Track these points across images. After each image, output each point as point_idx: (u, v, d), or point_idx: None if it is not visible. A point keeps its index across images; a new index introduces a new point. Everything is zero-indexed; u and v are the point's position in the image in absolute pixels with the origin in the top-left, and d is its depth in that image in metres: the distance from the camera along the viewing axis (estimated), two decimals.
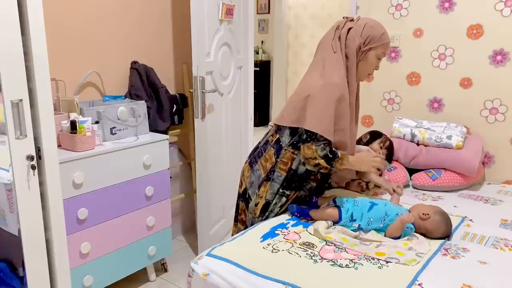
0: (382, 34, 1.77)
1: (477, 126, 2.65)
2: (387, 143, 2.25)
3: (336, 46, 1.76)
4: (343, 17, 1.85)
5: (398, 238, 1.69)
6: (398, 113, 2.91)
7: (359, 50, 1.76)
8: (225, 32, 2.60)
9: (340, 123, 1.73)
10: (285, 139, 1.83)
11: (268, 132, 1.95)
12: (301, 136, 1.77)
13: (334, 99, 1.70)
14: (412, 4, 2.76)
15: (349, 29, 1.77)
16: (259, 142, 1.97)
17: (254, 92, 3.21)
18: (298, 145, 1.79)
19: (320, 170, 1.80)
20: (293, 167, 1.83)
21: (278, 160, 1.83)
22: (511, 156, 2.58)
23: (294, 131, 1.80)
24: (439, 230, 1.69)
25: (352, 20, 1.81)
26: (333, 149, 1.74)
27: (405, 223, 1.68)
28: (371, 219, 1.73)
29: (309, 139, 1.72)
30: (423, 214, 1.71)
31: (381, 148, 2.22)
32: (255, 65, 3.91)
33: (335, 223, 1.77)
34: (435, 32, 2.70)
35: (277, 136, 1.86)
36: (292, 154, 1.81)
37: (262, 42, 6.59)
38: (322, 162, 1.73)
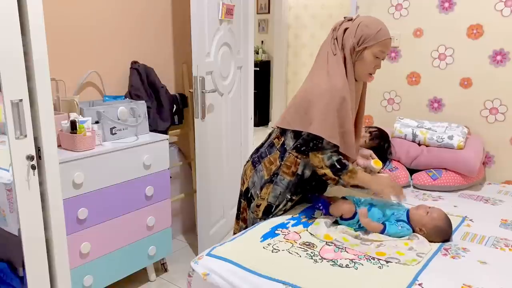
0: (377, 32, 1.70)
1: (477, 126, 2.64)
2: (374, 129, 2.24)
3: (335, 48, 1.74)
4: (344, 17, 1.83)
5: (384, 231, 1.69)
6: (398, 113, 2.90)
7: (354, 50, 1.73)
8: (225, 32, 2.60)
9: (345, 125, 1.71)
10: (289, 142, 1.81)
11: (271, 134, 1.94)
12: (307, 141, 1.75)
13: (336, 103, 1.68)
14: (412, 4, 2.76)
15: (345, 29, 1.74)
16: (262, 143, 1.96)
17: (254, 92, 3.21)
18: (302, 148, 1.78)
19: (328, 181, 1.78)
20: (299, 172, 1.82)
21: (282, 163, 1.82)
22: (511, 156, 2.58)
23: (297, 134, 1.79)
24: (434, 241, 1.67)
25: (350, 19, 1.78)
26: (343, 160, 1.72)
27: (363, 215, 1.70)
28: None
29: (315, 147, 1.72)
30: (419, 229, 1.69)
31: (365, 131, 2.20)
32: (255, 65, 3.91)
33: (349, 219, 1.76)
34: (435, 32, 2.70)
35: (283, 139, 1.84)
36: (295, 158, 1.80)
37: (262, 42, 6.58)
38: (328, 172, 1.73)
